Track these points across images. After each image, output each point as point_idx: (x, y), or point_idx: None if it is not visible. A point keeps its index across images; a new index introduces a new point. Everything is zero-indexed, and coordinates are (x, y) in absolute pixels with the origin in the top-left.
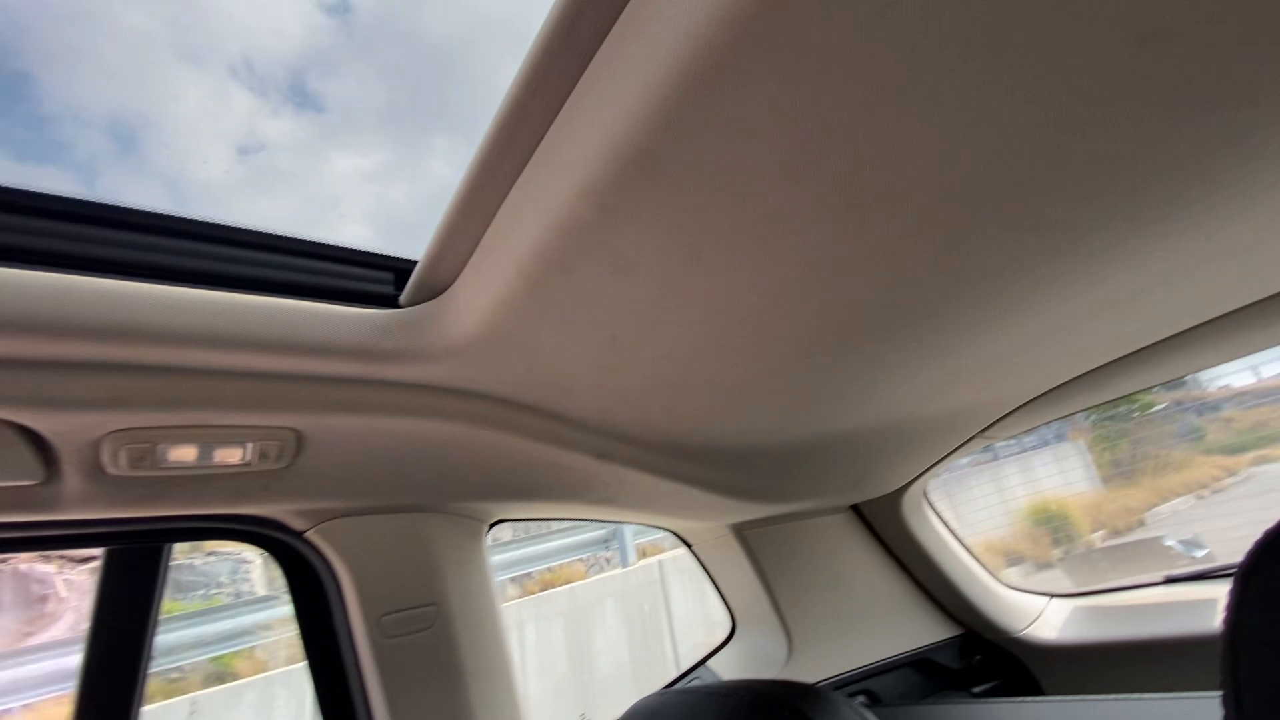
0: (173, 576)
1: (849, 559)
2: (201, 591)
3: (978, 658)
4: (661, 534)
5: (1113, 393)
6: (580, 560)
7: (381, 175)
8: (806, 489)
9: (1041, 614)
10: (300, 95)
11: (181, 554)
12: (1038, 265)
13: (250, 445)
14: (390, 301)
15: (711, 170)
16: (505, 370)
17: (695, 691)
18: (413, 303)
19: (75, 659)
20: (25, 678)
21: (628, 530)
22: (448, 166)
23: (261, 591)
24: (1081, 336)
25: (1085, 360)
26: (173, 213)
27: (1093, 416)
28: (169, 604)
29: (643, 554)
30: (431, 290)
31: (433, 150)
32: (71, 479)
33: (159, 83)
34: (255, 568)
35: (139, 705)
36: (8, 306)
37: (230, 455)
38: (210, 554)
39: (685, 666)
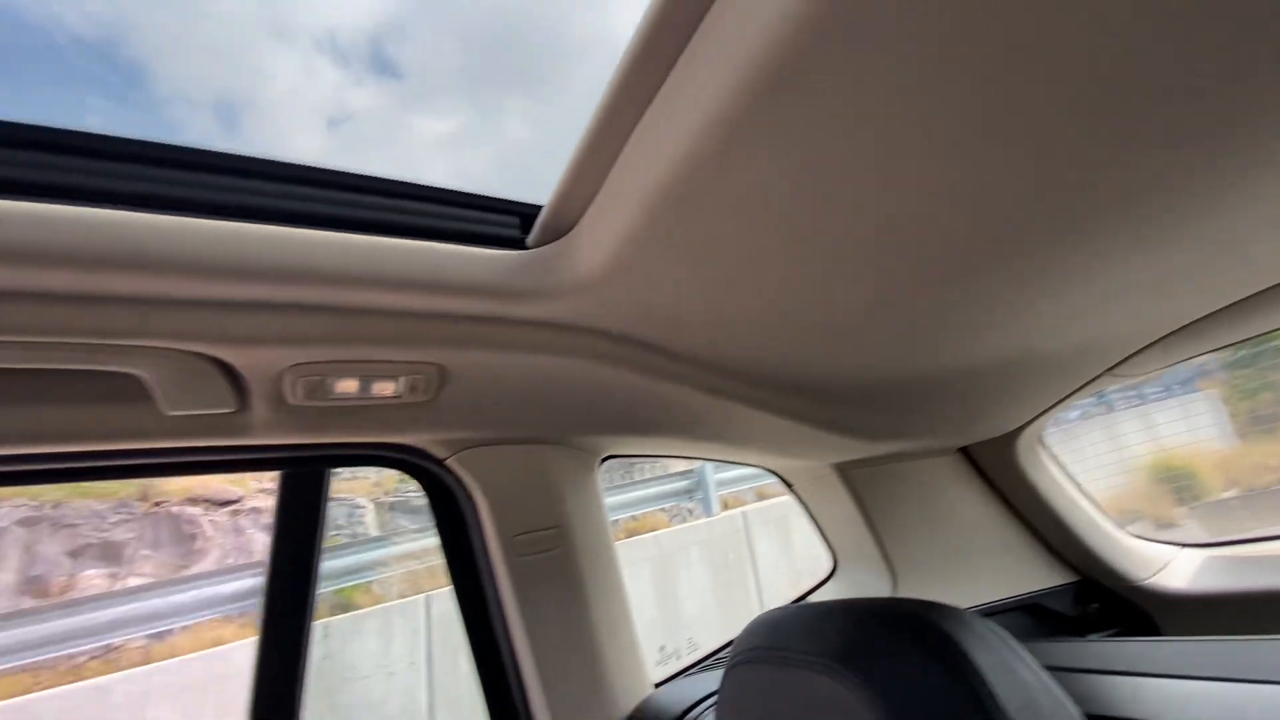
0: None
1: (957, 501)
2: (326, 533)
3: (1094, 605)
4: (744, 486)
5: (1260, 327)
6: (663, 510)
7: (460, 138)
8: (916, 428)
9: (1169, 564)
10: (380, 63)
11: None
12: (1189, 181)
13: (401, 379)
14: (518, 243)
15: (843, 94)
16: (624, 307)
17: (818, 605)
18: (539, 243)
19: (222, 588)
20: (183, 603)
21: (711, 481)
22: (523, 125)
23: (374, 533)
24: (1229, 263)
25: (1231, 290)
26: (331, 166)
27: (1236, 355)
28: None
29: (724, 505)
30: (557, 231)
31: (508, 111)
32: (259, 407)
33: (255, 62)
34: (368, 512)
35: (312, 613)
36: (214, 253)
37: (385, 388)
38: (329, 499)
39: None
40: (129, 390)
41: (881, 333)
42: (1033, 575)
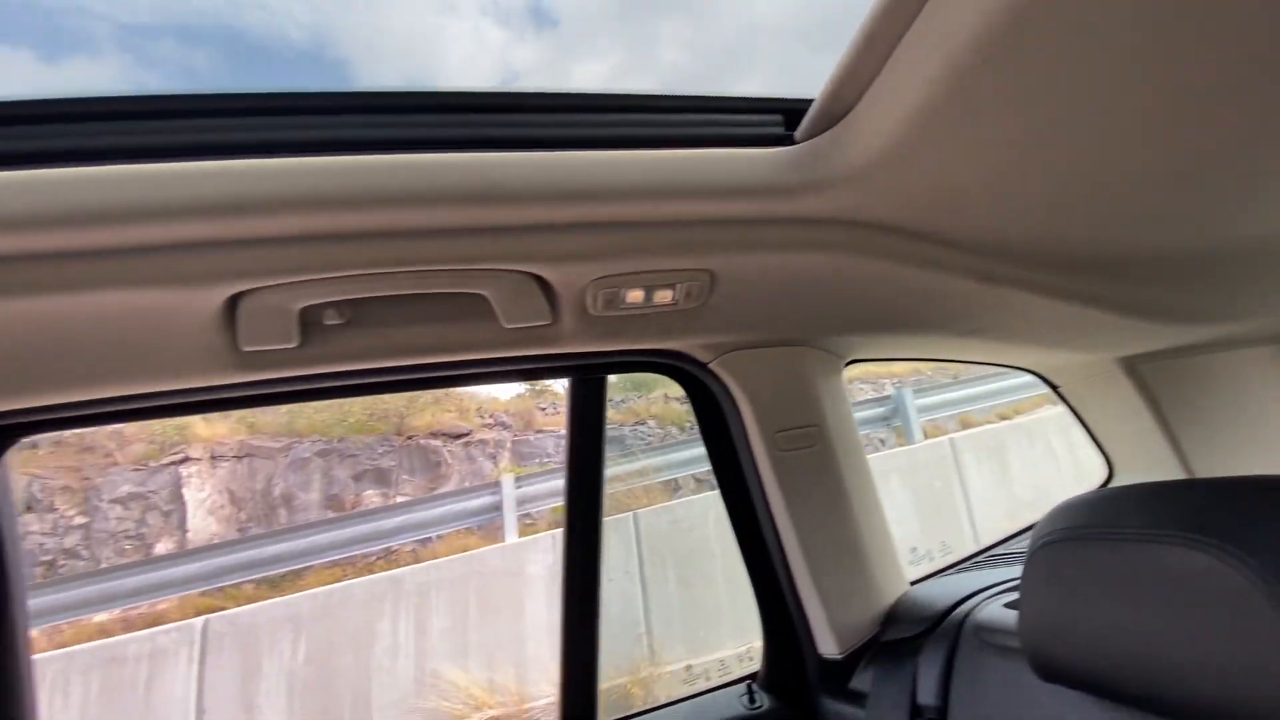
0: (515, 449)
1: None
2: (537, 460)
3: None
4: (946, 413)
5: None
6: None
7: (621, 74)
8: (1242, 308)
9: None
10: (538, 16)
11: (519, 432)
12: None
13: (678, 287)
14: (785, 140)
15: None
16: (899, 194)
17: (1151, 485)
18: (809, 136)
19: (466, 504)
20: (437, 516)
21: (911, 407)
22: (679, 50)
23: None
24: None
25: None
26: (602, 90)
27: None
28: (515, 468)
29: (924, 434)
30: (829, 120)
31: (661, 37)
32: (567, 319)
33: (432, 41)
34: None
35: (602, 504)
36: (542, 180)
37: (664, 296)
38: (536, 432)
39: (986, 543)
40: (476, 309)
41: (1211, 191)
42: None
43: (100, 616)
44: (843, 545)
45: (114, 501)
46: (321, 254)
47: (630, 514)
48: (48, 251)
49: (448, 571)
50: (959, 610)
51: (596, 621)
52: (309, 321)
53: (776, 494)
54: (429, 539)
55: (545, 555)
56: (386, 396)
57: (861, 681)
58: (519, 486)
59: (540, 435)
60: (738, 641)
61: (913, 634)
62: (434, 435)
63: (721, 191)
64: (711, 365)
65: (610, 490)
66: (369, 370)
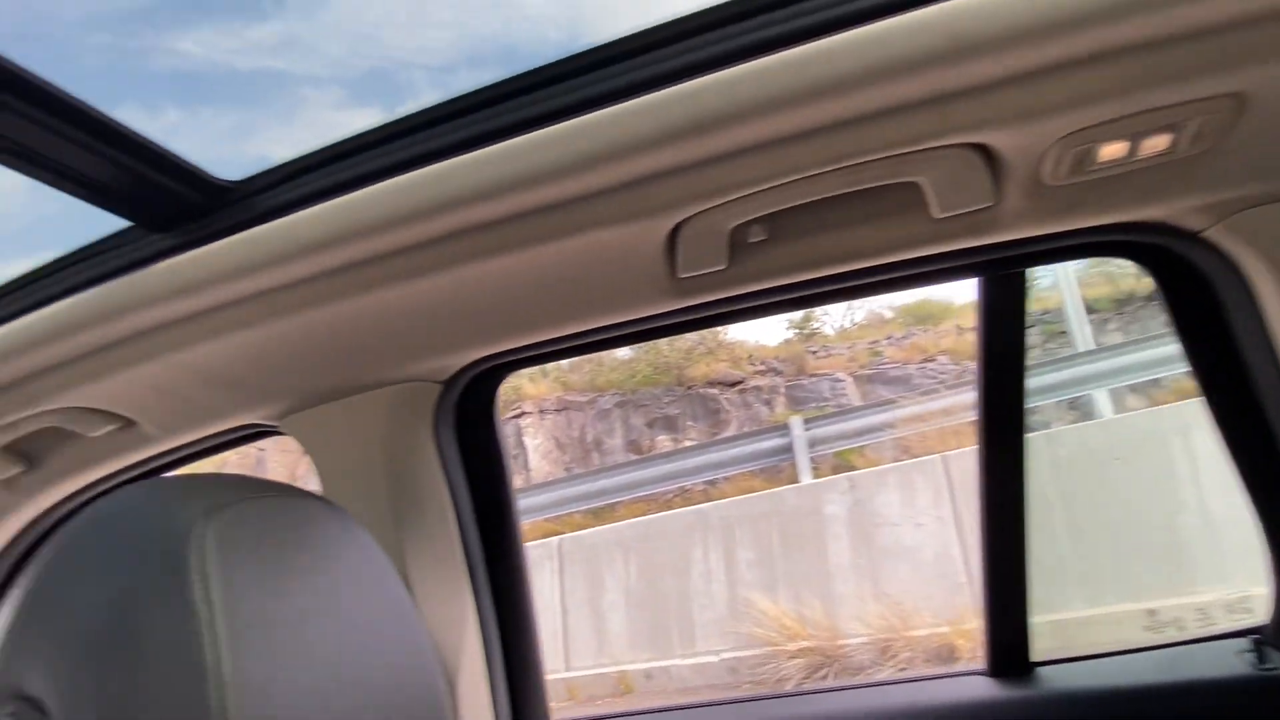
0: (789, 394)
1: None
2: (813, 404)
3: None
4: None
5: None
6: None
7: None
8: None
9: None
10: None
11: (789, 377)
12: None
13: (1183, 126)
14: None
15: None
16: None
17: None
18: None
19: (758, 445)
20: (726, 458)
21: None
22: None
23: (857, 403)
24: None
25: None
26: None
27: None
28: (789, 412)
29: None
30: None
31: None
32: (1012, 197)
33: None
34: (849, 385)
35: (1024, 420)
36: (1004, 21)
37: (1156, 144)
38: (812, 376)
39: None
40: (901, 201)
41: None
42: None
43: None
44: None
45: None
46: (756, 165)
47: (938, 456)
48: (527, 210)
49: (749, 508)
50: None
51: (1024, 548)
52: (735, 242)
53: None
54: (716, 480)
55: (842, 497)
56: (665, 350)
57: None
58: (808, 429)
59: (814, 379)
60: (1083, 602)
61: None
62: (711, 384)
63: None
64: (1206, 234)
65: (906, 432)
66: (787, 285)
